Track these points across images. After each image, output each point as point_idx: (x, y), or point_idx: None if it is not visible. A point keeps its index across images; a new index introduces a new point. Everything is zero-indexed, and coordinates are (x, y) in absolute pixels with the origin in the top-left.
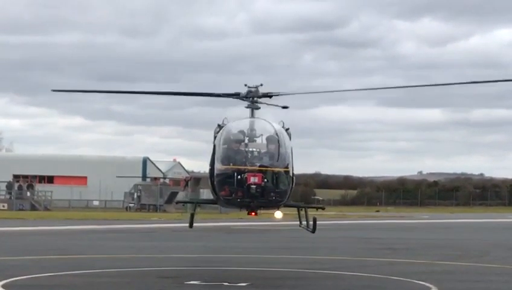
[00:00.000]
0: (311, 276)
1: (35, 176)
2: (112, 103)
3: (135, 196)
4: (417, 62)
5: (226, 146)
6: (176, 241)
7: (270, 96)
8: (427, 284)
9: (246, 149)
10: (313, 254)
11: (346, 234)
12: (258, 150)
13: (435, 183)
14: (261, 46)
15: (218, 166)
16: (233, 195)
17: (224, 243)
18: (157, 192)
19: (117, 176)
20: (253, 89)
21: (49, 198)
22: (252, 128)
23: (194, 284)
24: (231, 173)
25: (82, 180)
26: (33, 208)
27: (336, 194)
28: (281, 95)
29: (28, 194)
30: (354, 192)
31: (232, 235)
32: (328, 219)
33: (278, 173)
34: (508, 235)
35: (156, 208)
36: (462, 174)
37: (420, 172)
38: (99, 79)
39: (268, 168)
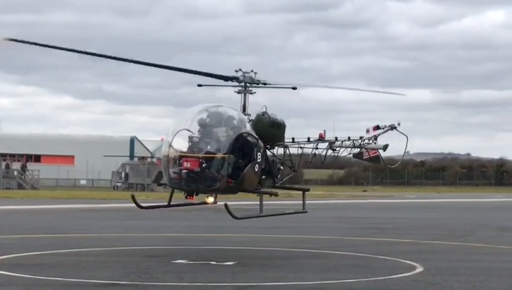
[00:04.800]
0: (298, 255)
1: (22, 155)
2: (102, 82)
3: (123, 175)
4: (409, 43)
5: (171, 131)
6: (163, 220)
7: (265, 84)
8: (414, 264)
9: (188, 135)
10: (300, 233)
11: (333, 213)
12: (195, 136)
13: (422, 163)
14: (253, 27)
15: (164, 150)
16: (171, 179)
17: (211, 222)
18: (145, 171)
19: (104, 155)
20: (249, 75)
21: (36, 177)
22: (198, 116)
23: (181, 263)
24: (168, 157)
25: (69, 159)
26: (20, 186)
27: (323, 173)
28: (273, 86)
29: (15, 173)
30: (341, 172)
31: (219, 215)
32: (316, 199)
33: (210, 158)
34: (494, 215)
35: (143, 187)
36: (449, 154)
37: (407, 152)
38: (92, 59)
39: (198, 154)
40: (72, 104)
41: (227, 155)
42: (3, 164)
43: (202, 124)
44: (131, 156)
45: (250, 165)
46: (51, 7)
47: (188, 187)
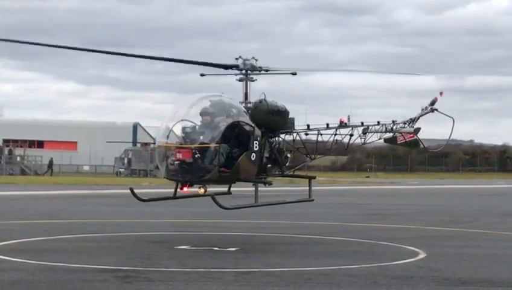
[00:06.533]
0: (300, 241)
1: (25, 141)
2: (106, 68)
3: (125, 161)
4: (413, 29)
5: (163, 123)
6: (166, 206)
7: (267, 71)
8: (416, 249)
9: (181, 126)
10: (302, 220)
11: (336, 199)
12: (187, 126)
13: (429, 151)
14: (257, 13)
15: (157, 142)
16: (166, 170)
17: (214, 208)
18: (148, 157)
19: (107, 141)
20: (249, 62)
21: (39, 163)
22: (190, 107)
23: (183, 249)
24: (160, 149)
25: (72, 145)
26: (23, 172)
27: (326, 160)
28: (273, 73)
29: (18, 159)
30: (344, 158)
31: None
32: (319, 185)
33: (201, 149)
34: (497, 201)
35: (146, 173)
36: (452, 140)
37: None
38: (95, 44)
39: (188, 145)
40: (75, 90)
41: (218, 145)
42: (6, 149)
43: (194, 115)
44: (134, 142)
45: (245, 154)
46: None
47: (182, 178)
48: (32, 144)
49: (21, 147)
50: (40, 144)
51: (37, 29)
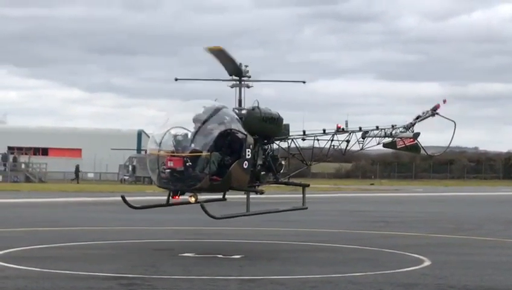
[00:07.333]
0: (304, 249)
1: (29, 148)
2: (111, 75)
3: (130, 168)
4: (418, 37)
5: (154, 131)
6: (170, 213)
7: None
8: (421, 257)
9: (171, 134)
10: (306, 227)
11: (341, 207)
12: (178, 134)
13: (429, 156)
14: (262, 21)
15: (147, 150)
16: (157, 178)
17: (218, 215)
18: None
19: (112, 149)
20: (244, 69)
21: (44, 170)
22: (182, 114)
23: (188, 256)
24: (151, 157)
25: (77, 152)
26: (28, 180)
27: (330, 167)
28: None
29: (23, 166)
30: (348, 165)
31: (227, 208)
32: (323, 192)
33: (191, 157)
34: (502, 208)
35: (150, 181)
36: (457, 147)
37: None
38: (100, 52)
39: (179, 153)
40: (80, 97)
41: (209, 153)
42: (11, 157)
43: (187, 122)
44: (139, 150)
45: (237, 162)
46: (60, 1)
47: (174, 187)
48: (36, 151)
49: (26, 154)
50: (44, 151)
51: (42, 37)
